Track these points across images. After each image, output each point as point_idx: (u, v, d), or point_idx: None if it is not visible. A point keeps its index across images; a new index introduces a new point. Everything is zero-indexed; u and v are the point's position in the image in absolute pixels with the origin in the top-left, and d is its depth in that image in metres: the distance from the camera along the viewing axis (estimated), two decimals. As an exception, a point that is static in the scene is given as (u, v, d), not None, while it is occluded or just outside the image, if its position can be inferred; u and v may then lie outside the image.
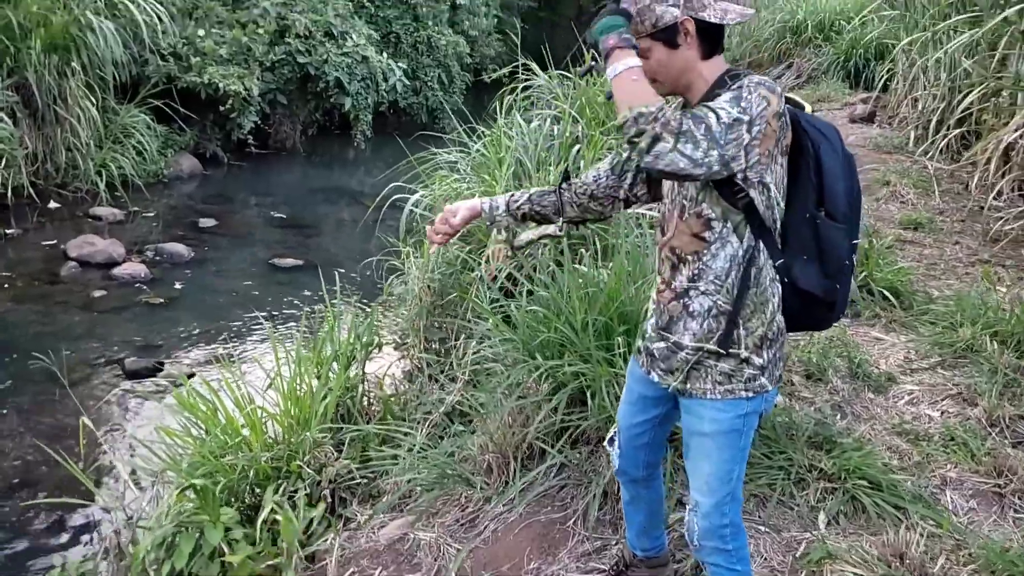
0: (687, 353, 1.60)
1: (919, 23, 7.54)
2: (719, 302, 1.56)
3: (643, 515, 1.94)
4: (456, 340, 3.50)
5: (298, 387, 3.16)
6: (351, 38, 10.97)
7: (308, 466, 2.84)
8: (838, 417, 2.77)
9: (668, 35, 1.50)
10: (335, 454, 2.95)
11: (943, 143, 6.54)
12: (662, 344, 1.65)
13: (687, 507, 1.68)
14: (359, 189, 9.78)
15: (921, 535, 2.10)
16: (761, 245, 1.54)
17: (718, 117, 1.37)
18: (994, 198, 5.44)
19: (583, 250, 3.11)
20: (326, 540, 2.62)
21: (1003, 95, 5.90)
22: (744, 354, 1.58)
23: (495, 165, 4.78)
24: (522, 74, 5.82)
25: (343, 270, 4.81)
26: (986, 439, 2.62)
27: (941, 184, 6.23)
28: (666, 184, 1.62)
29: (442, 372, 3.47)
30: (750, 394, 1.60)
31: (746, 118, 1.38)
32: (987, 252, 4.70)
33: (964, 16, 6.77)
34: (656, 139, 1.33)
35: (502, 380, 2.58)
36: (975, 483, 2.42)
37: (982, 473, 2.45)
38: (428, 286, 3.58)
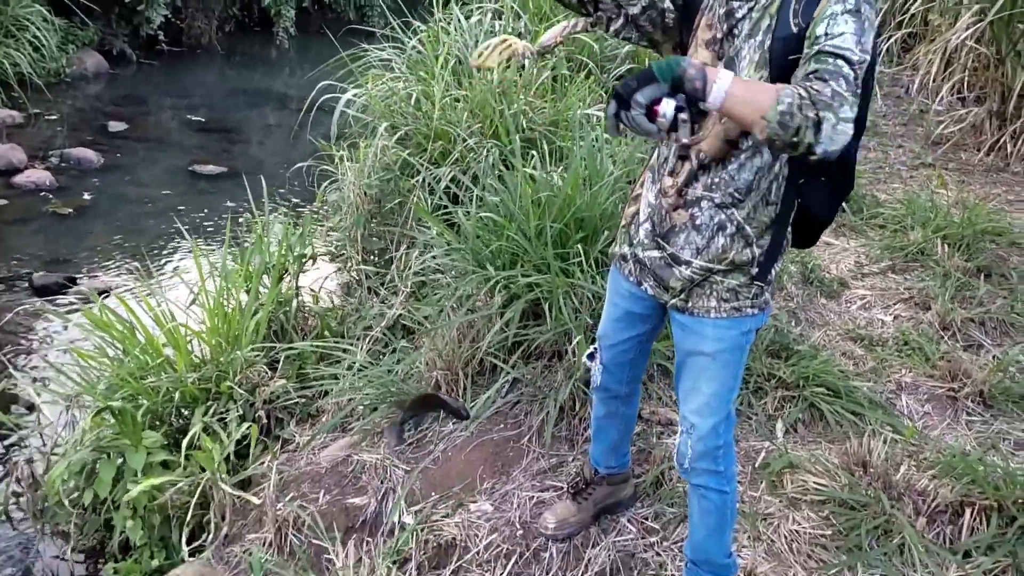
0: (692, 271, 1.45)
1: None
2: (734, 217, 1.40)
3: (617, 432, 1.83)
4: (397, 250, 3.29)
5: (225, 303, 2.92)
6: (269, -78, 10.04)
7: (240, 387, 2.64)
8: (793, 324, 2.71)
9: None
10: (269, 373, 2.75)
11: (885, 46, 6.44)
12: (656, 253, 1.49)
13: (679, 430, 1.56)
14: (284, 91, 9.17)
15: (883, 442, 2.07)
16: (790, 159, 1.37)
17: (850, 63, 1.16)
18: (933, 101, 5.43)
19: (534, 151, 2.90)
20: (263, 463, 2.46)
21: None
22: (754, 271, 1.44)
23: (432, 63, 4.45)
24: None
25: (271, 178, 4.47)
26: (939, 343, 2.61)
27: (883, 87, 6.18)
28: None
29: (383, 284, 3.27)
30: (755, 311, 1.48)
31: (868, 57, 1.20)
32: (929, 155, 4.69)
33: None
34: (818, 125, 1.12)
35: (449, 293, 2.40)
36: (930, 387, 2.40)
37: (937, 377, 2.43)
38: (365, 192, 3.33)
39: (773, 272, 1.48)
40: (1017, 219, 3.66)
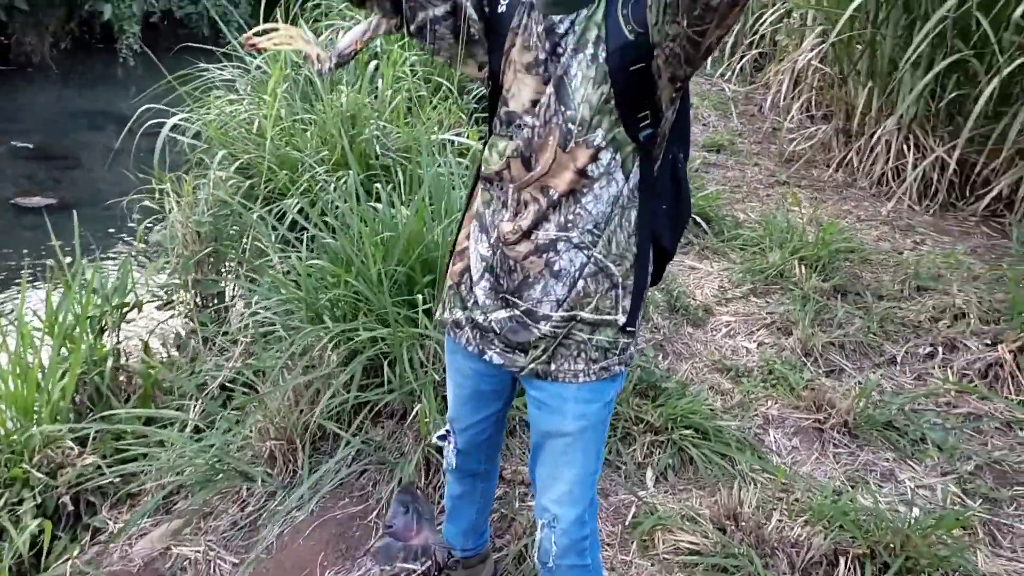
0: (553, 325, 1.25)
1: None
2: (596, 257, 1.22)
3: (475, 511, 1.61)
4: (236, 294, 2.96)
5: (26, 364, 2.50)
6: (106, -68, 9.30)
7: (39, 469, 2.24)
8: (660, 358, 2.60)
9: None
10: (77, 449, 2.36)
11: (739, 65, 6.67)
12: (504, 314, 1.28)
13: (540, 522, 1.34)
14: (128, 113, 8.46)
15: (753, 484, 1.96)
16: (640, 183, 1.21)
17: None
18: (785, 119, 5.62)
19: (379, 185, 2.67)
20: (67, 560, 2.08)
21: (794, 16, 6.06)
22: (621, 319, 1.26)
23: (278, 83, 4.14)
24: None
25: (108, 209, 4.00)
26: (802, 370, 2.57)
27: (738, 106, 6.37)
28: (532, 98, 1.19)
29: (221, 333, 2.92)
30: (622, 367, 1.30)
31: None
32: (784, 173, 4.81)
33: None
34: None
35: (284, 349, 2.12)
36: (796, 420, 2.34)
37: (802, 408, 2.38)
38: (196, 231, 2.97)
39: (639, 317, 1.32)
40: (867, 235, 3.77)
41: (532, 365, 1.28)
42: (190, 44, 4.66)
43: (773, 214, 3.87)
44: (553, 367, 1.27)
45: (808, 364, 2.60)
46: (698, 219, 3.64)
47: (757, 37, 6.49)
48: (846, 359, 2.68)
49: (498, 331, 1.29)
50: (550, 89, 1.17)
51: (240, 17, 10.43)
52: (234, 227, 3.14)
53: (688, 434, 2.14)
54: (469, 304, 1.33)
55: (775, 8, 6.16)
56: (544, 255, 1.23)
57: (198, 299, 3.04)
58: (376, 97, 4.09)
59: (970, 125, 4.00)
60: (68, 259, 3.56)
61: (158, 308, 3.05)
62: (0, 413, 2.38)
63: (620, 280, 1.24)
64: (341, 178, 3.12)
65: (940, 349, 2.75)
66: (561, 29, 1.16)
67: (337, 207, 2.38)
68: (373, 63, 4.33)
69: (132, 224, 3.64)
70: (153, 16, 10.35)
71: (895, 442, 2.25)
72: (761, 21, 6.32)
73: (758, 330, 2.81)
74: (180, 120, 3.60)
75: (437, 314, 1.43)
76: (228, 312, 2.90)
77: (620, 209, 1.21)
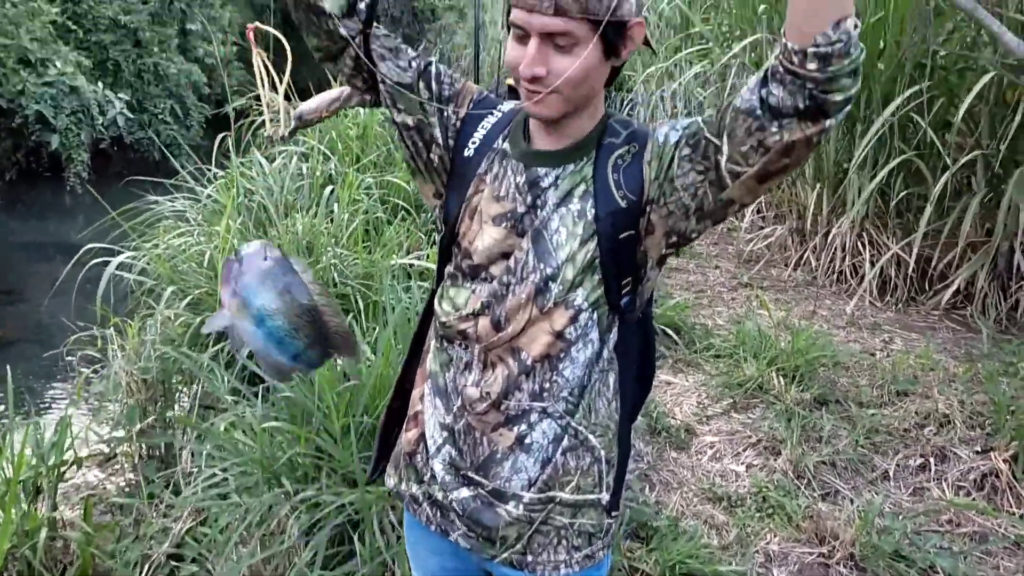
0: (527, 507, 1.09)
1: (654, 57, 7.95)
2: (575, 428, 1.09)
3: None
4: (186, 444, 2.73)
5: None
6: (55, 65, 9.36)
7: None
8: (647, 490, 2.45)
9: (615, 34, 0.98)
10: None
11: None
12: (467, 492, 1.12)
13: None
14: (75, 243, 8.26)
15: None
16: (619, 344, 1.10)
17: None
18: (739, 220, 5.71)
19: (348, 309, 2.53)
20: None
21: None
22: (605, 498, 1.12)
23: (231, 212, 4.04)
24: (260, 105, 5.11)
25: (53, 347, 3.76)
26: (797, 495, 2.43)
27: (692, 208, 6.49)
28: (502, 250, 1.07)
29: (169, 488, 2.68)
30: (607, 550, 1.15)
31: None
32: (745, 275, 4.82)
33: (693, 49, 7.18)
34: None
35: (239, 516, 1.91)
36: (799, 555, 2.19)
37: (804, 541, 2.23)
38: (143, 379, 2.77)
39: (623, 494, 1.18)
40: (835, 336, 3.74)
41: (505, 554, 1.12)
42: (138, 176, 4.55)
43: (741, 319, 3.82)
44: (530, 558, 1.11)
45: (802, 487, 2.47)
46: (668, 330, 3.57)
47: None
48: (839, 478, 2.56)
49: (460, 512, 1.13)
50: (527, 244, 1.06)
51: (190, 141, 10.49)
52: (184, 368, 2.95)
53: (688, 582, 1.97)
54: (426, 478, 1.17)
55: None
56: (515, 427, 1.08)
57: (143, 451, 2.81)
58: (332, 221, 4.01)
59: (924, 225, 4.08)
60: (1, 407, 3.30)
61: (99, 464, 2.80)
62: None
63: (603, 454, 1.11)
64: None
65: (931, 460, 2.66)
66: (546, 183, 1.06)
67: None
68: (329, 187, 4.28)
69: (73, 373, 3.42)
70: (103, 143, 10.31)
71: (904, 573, 2.11)
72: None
73: (744, 451, 2.69)
74: (126, 258, 3.44)
75: (389, 483, 1.26)
76: (177, 463, 2.67)
77: (599, 373, 1.09)
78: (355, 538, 1.78)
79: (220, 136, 4.96)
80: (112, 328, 3.02)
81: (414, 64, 1.13)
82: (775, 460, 2.60)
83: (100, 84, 10.13)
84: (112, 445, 2.86)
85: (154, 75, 11.35)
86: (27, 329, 5.75)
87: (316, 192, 4.41)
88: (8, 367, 3.01)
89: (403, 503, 1.24)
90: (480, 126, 1.13)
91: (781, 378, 3.05)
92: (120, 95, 10.40)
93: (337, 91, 1.22)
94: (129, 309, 3.51)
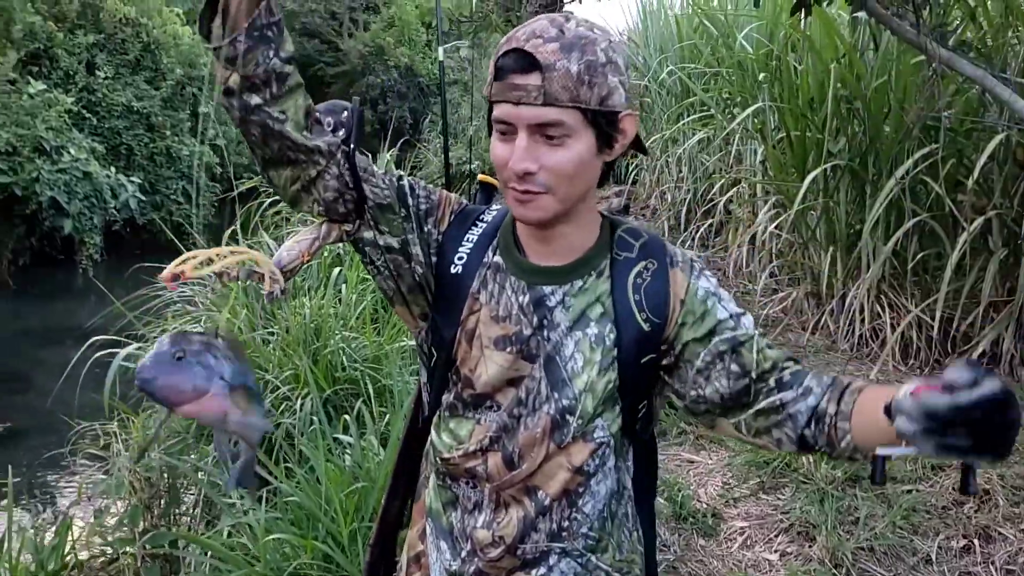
0: None
1: (656, 122, 8.04)
2: (599, 567, 1.00)
3: None
4: (189, 547, 2.62)
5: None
6: (68, 152, 9.55)
7: None
8: (676, 585, 2.31)
9: (608, 124, 0.92)
10: None
11: (696, 233, 6.80)
12: None
13: None
14: (87, 325, 8.27)
15: None
16: (636, 469, 1.03)
17: None
18: (754, 284, 5.63)
19: (346, 411, 2.45)
20: None
21: (743, 185, 6.27)
22: None
23: (240, 296, 4.01)
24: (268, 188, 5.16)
25: (59, 435, 3.67)
26: (837, 587, 2.28)
27: (703, 272, 6.42)
28: (509, 376, 0.97)
29: (172, 592, 2.56)
30: None
31: None
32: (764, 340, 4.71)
33: (695, 116, 7.26)
34: None
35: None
36: (846, 656, 2.03)
37: (849, 640, 2.08)
38: (146, 477, 2.68)
39: None
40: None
41: None
42: (146, 262, 4.55)
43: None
44: None
45: (841, 577, 2.32)
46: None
47: (711, 206, 6.67)
48: (879, 564, 2.41)
49: None
50: (538, 372, 0.97)
51: (202, 222, 10.61)
52: (190, 464, 2.86)
53: None
54: None
55: (722, 178, 6.39)
56: (532, 571, 0.99)
57: (146, 553, 2.69)
58: (340, 302, 3.97)
59: (944, 287, 3.99)
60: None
61: (101, 567, 2.68)
62: None
63: None
64: (307, 396, 2.90)
65: (975, 541, 2.50)
66: (552, 301, 0.98)
67: (298, 449, 2.13)
68: (337, 268, 4.26)
69: (76, 467, 3.33)
70: (115, 225, 10.44)
71: (961, 673, 1.95)
72: (710, 193, 6.53)
73: (777, 536, 2.55)
74: (133, 349, 3.39)
75: None
76: (181, 567, 2.55)
77: (619, 503, 1.01)
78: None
79: (233, 216, 4.99)
80: (116, 423, 2.94)
81: (386, 181, 1.01)
82: (810, 547, 2.46)
83: (113, 168, 10.31)
84: (115, 547, 2.74)
85: (166, 157, 11.58)
86: (35, 418, 5.67)
87: (324, 272, 4.39)
88: (10, 466, 2.94)
89: None
90: (465, 239, 1.03)
91: (810, 455, 2.92)
92: (133, 178, 10.59)
93: (311, 231, 1.05)
94: (135, 400, 3.44)
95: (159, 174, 11.44)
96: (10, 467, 2.86)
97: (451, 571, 1.03)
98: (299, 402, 2.95)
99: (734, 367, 0.95)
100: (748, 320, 0.98)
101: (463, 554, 1.02)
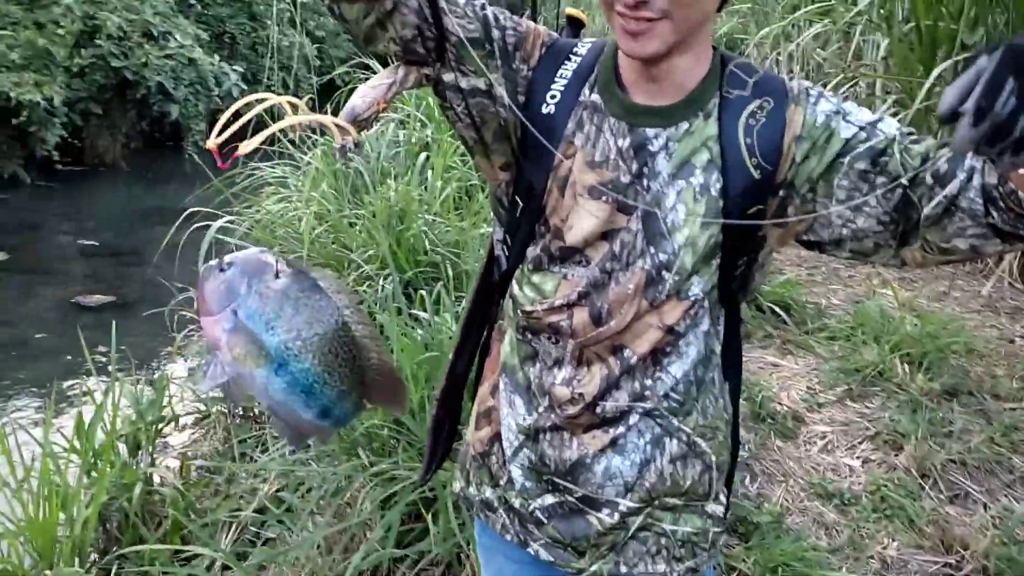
0: (622, 514, 0.95)
1: (769, 16, 7.46)
2: (680, 430, 0.94)
3: None
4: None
5: (53, 487, 2.32)
6: (175, 39, 9.77)
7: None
8: (748, 480, 2.26)
9: None
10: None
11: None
12: (553, 500, 0.98)
13: None
14: (198, 207, 8.68)
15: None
16: (727, 331, 0.95)
17: None
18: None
19: (424, 291, 2.45)
20: None
21: (860, 85, 5.79)
22: (719, 510, 0.98)
23: (330, 179, 4.06)
24: (367, 75, 5.13)
25: (168, 307, 3.92)
26: (921, 496, 2.18)
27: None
28: (603, 229, 0.89)
29: (260, 447, 2.71)
30: (714, 563, 1.01)
31: None
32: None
33: (814, 7, 6.67)
34: None
35: (316, 484, 1.87)
36: (921, 564, 1.95)
37: (927, 549, 1.99)
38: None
39: (730, 497, 1.03)
40: (970, 321, 3.37)
41: (594, 567, 0.98)
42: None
43: (861, 299, 3.51)
44: (624, 569, 0.97)
45: (927, 488, 2.21)
46: (777, 308, 3.31)
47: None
48: (970, 479, 2.28)
49: (544, 521, 0.99)
50: (635, 224, 0.88)
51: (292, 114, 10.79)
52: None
53: (791, 585, 1.78)
54: (502, 483, 1.03)
55: (839, 75, 5.92)
56: (611, 430, 0.93)
57: (238, 410, 2.85)
58: (426, 189, 3.96)
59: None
60: (119, 367, 3.46)
61: (195, 422, 2.87)
62: (17, 547, 2.18)
63: (713, 459, 0.96)
64: (388, 277, 2.94)
65: (1083, 464, 2.33)
66: (655, 146, 0.88)
67: (379, 325, 2.16)
68: (424, 154, 4.23)
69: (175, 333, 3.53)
70: (219, 113, 10.72)
71: (1049, 593, 1.84)
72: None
73: (860, 443, 2.44)
74: (226, 222, 3.51)
75: (456, 487, 1.13)
76: (266, 424, 2.68)
77: (707, 368, 0.93)
78: (428, 517, 1.70)
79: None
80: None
81: (471, 11, 0.89)
82: (896, 456, 2.35)
83: (217, 56, 10.51)
84: (208, 404, 2.92)
85: (267, 47, 11.70)
86: (145, 290, 6.04)
87: (411, 159, 4.37)
88: (114, 324, 3.13)
89: (471, 510, 1.11)
90: (558, 75, 0.93)
91: (906, 365, 2.76)
92: (235, 67, 10.78)
93: (387, 74, 0.92)
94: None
95: (260, 64, 11.60)
96: (114, 324, 3.05)
97: (524, 426, 0.99)
98: (381, 282, 2.99)
99: (882, 179, 0.81)
100: (888, 124, 0.84)
101: (540, 409, 0.97)
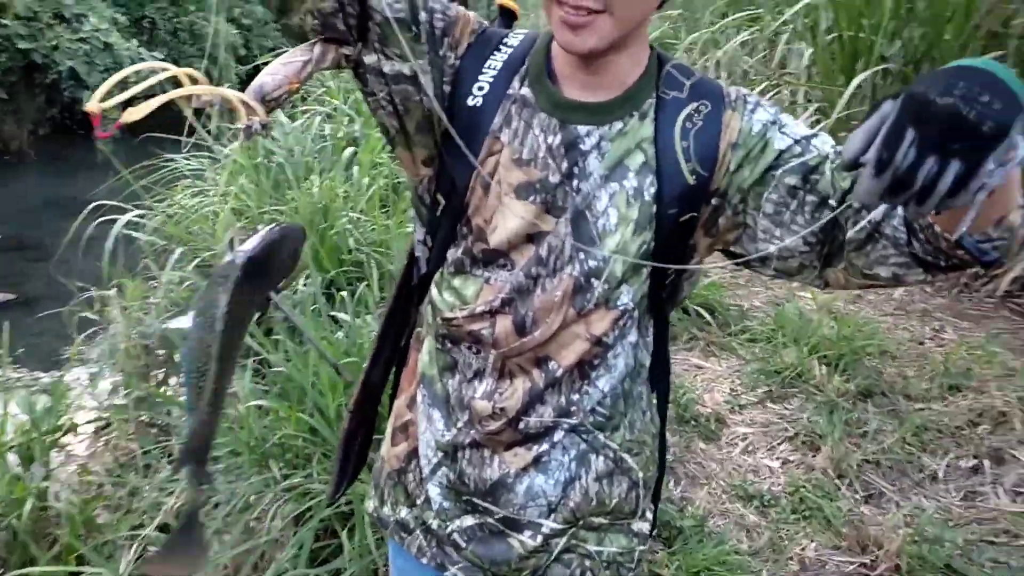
0: (545, 537, 0.91)
1: (699, 22, 7.58)
2: (609, 447, 0.90)
3: None
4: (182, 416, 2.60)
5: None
6: (89, 21, 9.29)
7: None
8: (672, 484, 2.25)
9: None
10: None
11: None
12: (472, 521, 0.94)
13: None
14: (107, 199, 8.27)
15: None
16: (656, 343, 0.91)
17: None
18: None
19: (347, 292, 2.36)
20: None
21: (784, 93, 5.94)
22: (645, 527, 0.95)
23: (250, 172, 3.91)
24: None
25: (72, 306, 3.68)
26: (837, 496, 2.22)
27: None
28: (528, 231, 0.84)
29: (165, 458, 2.56)
30: None
31: None
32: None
33: (742, 15, 6.82)
34: None
35: (224, 500, 1.76)
36: (838, 564, 1.98)
37: (844, 549, 2.02)
38: (143, 344, 2.64)
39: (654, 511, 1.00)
40: (883, 324, 3.48)
41: None
42: (157, 134, 4.42)
43: (781, 302, 3.58)
44: None
45: (843, 488, 2.26)
46: (701, 311, 3.35)
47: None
48: (883, 478, 2.34)
49: (463, 544, 0.94)
50: (564, 227, 0.83)
51: (219, 108, 10.42)
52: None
53: (712, 591, 1.78)
54: (419, 502, 0.97)
55: (763, 82, 6.06)
56: (534, 447, 0.89)
57: (141, 419, 2.68)
58: (352, 185, 3.85)
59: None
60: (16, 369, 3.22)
61: (96, 432, 2.69)
62: None
63: (640, 476, 0.92)
64: (309, 277, 2.83)
65: (986, 462, 2.42)
66: (586, 145, 0.83)
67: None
68: (351, 149, 4.12)
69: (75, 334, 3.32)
70: (136, 100, 10.26)
71: (957, 590, 1.90)
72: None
73: (780, 444, 2.47)
74: (135, 216, 3.33)
75: (369, 505, 1.06)
76: (173, 435, 2.54)
77: (635, 383, 0.89)
78: (344, 533, 1.62)
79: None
80: (115, 289, 2.90)
81: None
82: (814, 456, 2.39)
83: (135, 41, 10.05)
84: (110, 412, 2.74)
85: (189, 34, 11.26)
86: (48, 287, 5.71)
87: (337, 154, 4.25)
88: (8, 325, 2.91)
89: (385, 530, 1.04)
90: (487, 65, 0.87)
91: (823, 367, 2.82)
92: (155, 53, 10.32)
93: (303, 50, 0.85)
94: (137, 270, 3.39)
95: (182, 51, 11.15)
96: (8, 324, 2.84)
97: (443, 442, 0.93)
98: (301, 282, 2.88)
99: (811, 198, 0.79)
100: (822, 140, 0.81)
101: (459, 424, 0.91)
